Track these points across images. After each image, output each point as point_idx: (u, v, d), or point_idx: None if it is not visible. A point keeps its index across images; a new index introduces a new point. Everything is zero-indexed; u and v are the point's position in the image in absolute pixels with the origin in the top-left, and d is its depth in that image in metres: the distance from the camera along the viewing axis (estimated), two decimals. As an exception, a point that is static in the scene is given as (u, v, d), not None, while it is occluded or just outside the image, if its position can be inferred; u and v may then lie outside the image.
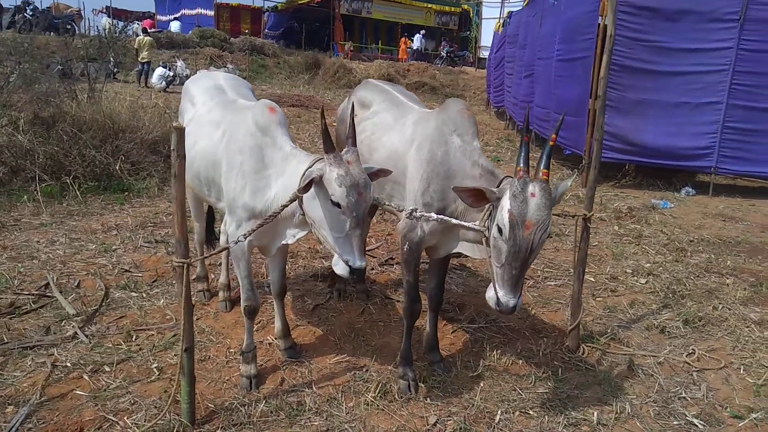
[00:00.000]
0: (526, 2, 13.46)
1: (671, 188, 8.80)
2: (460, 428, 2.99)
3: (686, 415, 3.19)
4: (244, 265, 3.20)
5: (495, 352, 3.73)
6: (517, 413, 3.15)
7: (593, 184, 3.68)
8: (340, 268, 2.68)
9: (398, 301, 4.48)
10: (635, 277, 5.13)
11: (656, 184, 8.90)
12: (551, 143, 2.69)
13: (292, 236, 3.03)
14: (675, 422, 3.14)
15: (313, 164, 2.77)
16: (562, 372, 3.57)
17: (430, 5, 33.72)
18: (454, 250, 3.27)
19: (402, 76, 22.76)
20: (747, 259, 5.76)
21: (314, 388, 3.29)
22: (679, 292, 4.75)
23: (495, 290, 2.65)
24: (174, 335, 3.78)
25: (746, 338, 4.07)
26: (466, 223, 2.87)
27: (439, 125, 3.17)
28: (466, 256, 3.29)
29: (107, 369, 3.36)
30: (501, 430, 3.02)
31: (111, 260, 4.91)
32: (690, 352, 3.85)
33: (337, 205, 2.60)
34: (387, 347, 3.82)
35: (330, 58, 25.48)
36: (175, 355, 3.54)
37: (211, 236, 4.45)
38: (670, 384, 3.49)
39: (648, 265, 5.42)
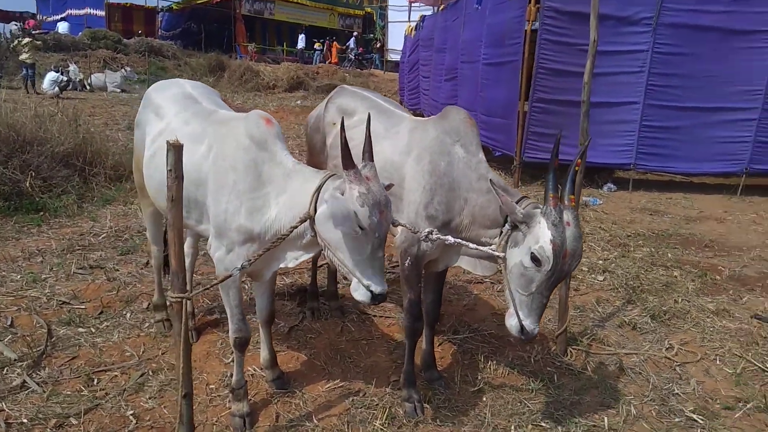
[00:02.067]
0: (442, 6, 13.63)
1: (594, 185, 9.21)
2: (481, 449, 2.88)
3: (684, 411, 3.26)
4: (234, 294, 2.88)
5: (489, 364, 3.65)
6: (530, 426, 3.07)
7: (579, 188, 3.69)
8: (360, 294, 2.46)
9: (375, 316, 4.30)
10: (593, 275, 5.27)
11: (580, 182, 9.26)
12: (576, 168, 2.62)
13: (294, 259, 2.75)
14: (677, 419, 3.20)
15: (325, 181, 2.53)
16: (558, 378, 3.55)
17: (334, 7, 33.58)
18: (455, 264, 3.16)
19: (312, 78, 22.47)
20: (683, 250, 6.10)
21: (315, 421, 3.04)
22: (638, 287, 4.92)
23: (518, 318, 2.56)
24: (142, 374, 3.37)
25: (710, 329, 4.26)
26: (483, 248, 2.73)
27: (440, 135, 3.01)
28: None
29: (74, 422, 2.92)
30: (520, 446, 2.94)
31: (44, 292, 4.33)
32: (668, 347, 3.97)
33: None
34: (376, 367, 3.63)
35: (234, 60, 24.66)
36: (149, 398, 3.15)
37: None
38: (660, 381, 3.56)
39: (600, 262, 5.59)
